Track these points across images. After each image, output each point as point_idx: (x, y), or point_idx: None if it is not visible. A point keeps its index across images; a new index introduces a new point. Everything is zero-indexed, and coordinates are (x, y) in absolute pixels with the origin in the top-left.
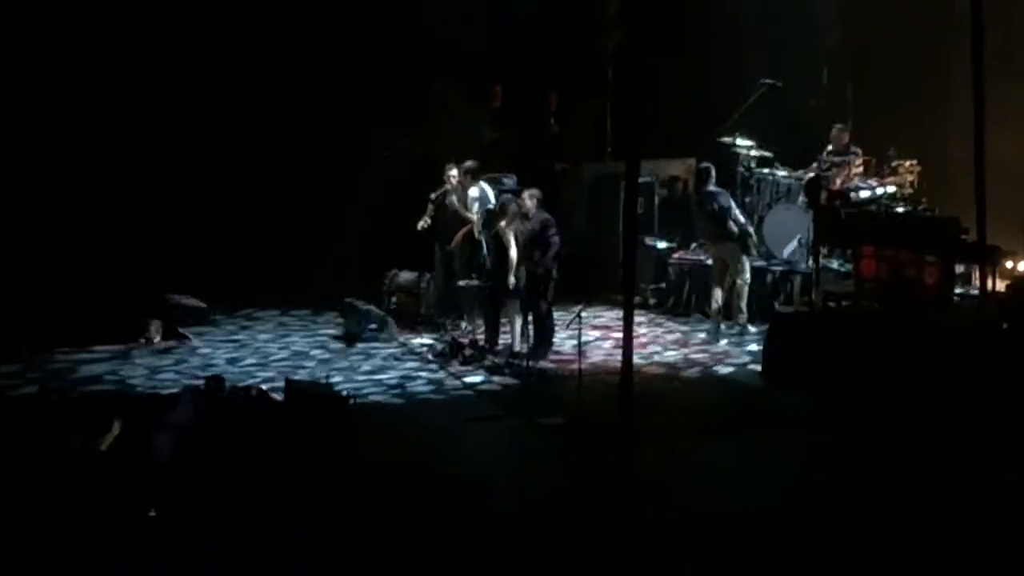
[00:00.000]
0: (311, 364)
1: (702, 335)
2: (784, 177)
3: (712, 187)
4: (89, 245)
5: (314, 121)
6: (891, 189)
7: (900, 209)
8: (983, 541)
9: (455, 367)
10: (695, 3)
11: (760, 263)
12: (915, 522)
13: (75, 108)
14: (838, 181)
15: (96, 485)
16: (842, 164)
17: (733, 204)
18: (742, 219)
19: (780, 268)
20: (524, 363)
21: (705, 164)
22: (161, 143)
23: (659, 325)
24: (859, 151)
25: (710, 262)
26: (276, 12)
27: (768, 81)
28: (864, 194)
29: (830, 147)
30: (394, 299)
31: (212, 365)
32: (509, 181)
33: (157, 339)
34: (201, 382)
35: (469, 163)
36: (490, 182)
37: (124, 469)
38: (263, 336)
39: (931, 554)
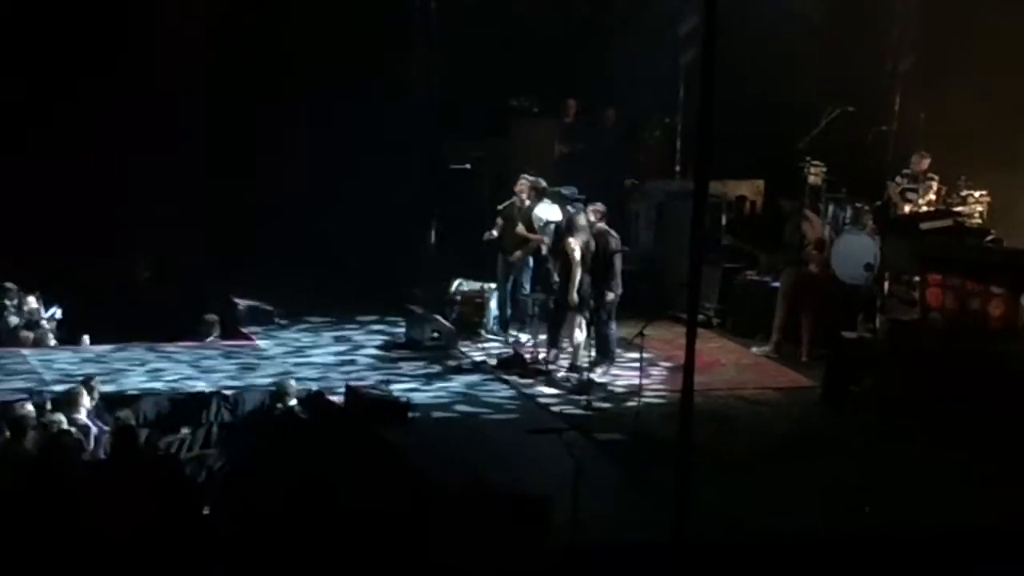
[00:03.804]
0: (372, 370)
1: (763, 355)
2: (853, 202)
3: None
4: (151, 245)
5: (385, 128)
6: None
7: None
8: None
9: (515, 378)
10: (769, 23)
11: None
12: (973, 547)
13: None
14: (907, 208)
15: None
16: (914, 190)
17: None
18: None
19: (845, 293)
20: (585, 377)
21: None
22: (228, 146)
23: (722, 344)
24: (936, 178)
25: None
26: (354, 20)
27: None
28: (931, 224)
29: (906, 171)
30: (456, 308)
31: (275, 368)
32: (568, 192)
33: (215, 335)
34: (262, 383)
35: (536, 179)
36: (552, 195)
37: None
38: (326, 340)
39: None
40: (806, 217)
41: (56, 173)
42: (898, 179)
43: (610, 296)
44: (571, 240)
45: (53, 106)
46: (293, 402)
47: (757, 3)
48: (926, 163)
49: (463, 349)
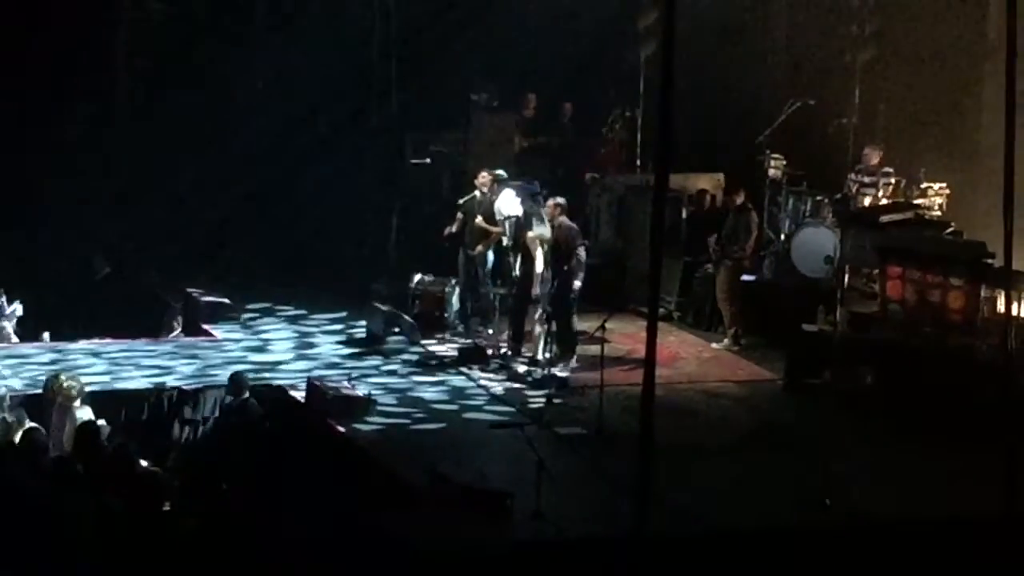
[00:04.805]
0: (333, 366)
1: (724, 349)
2: (813, 196)
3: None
4: (110, 237)
5: (344, 123)
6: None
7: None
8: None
9: (477, 373)
10: (728, 18)
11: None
12: (932, 539)
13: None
14: (866, 201)
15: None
16: (872, 185)
17: None
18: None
19: (805, 287)
20: (546, 372)
21: None
22: (186, 143)
23: (683, 338)
24: (891, 171)
25: (749, 277)
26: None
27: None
28: (891, 216)
29: (861, 166)
30: (418, 303)
31: (235, 363)
32: (532, 187)
33: (176, 331)
34: (223, 379)
35: (497, 172)
36: (514, 188)
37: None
38: (287, 335)
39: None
40: (751, 210)
41: (15, 170)
42: (853, 176)
43: (572, 290)
44: (532, 234)
45: (9, 105)
46: (246, 394)
47: None
48: (879, 156)
49: (424, 344)
